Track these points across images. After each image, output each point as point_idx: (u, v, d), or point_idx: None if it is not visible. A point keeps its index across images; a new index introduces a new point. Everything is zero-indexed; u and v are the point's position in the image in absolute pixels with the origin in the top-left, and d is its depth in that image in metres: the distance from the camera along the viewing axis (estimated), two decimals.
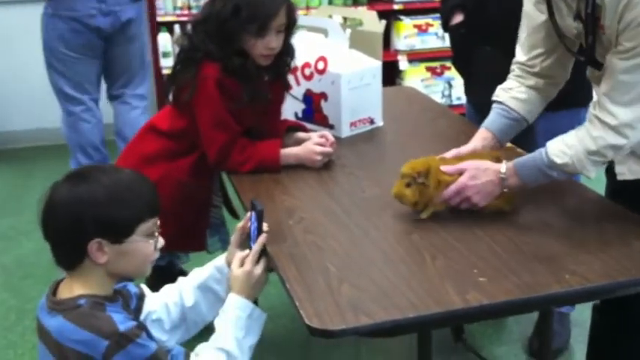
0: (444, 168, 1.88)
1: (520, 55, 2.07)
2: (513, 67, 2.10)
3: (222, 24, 2.12)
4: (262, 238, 1.72)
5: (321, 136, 2.25)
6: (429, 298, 1.50)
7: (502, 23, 2.47)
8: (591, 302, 2.07)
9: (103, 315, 1.45)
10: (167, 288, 1.78)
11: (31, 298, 3.15)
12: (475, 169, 1.85)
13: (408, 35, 4.98)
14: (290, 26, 2.21)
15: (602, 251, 1.66)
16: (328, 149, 2.22)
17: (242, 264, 1.69)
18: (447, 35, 3.02)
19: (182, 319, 1.75)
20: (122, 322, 1.44)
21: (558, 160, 1.76)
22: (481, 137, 2.08)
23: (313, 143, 2.23)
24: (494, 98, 2.11)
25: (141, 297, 1.68)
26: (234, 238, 1.80)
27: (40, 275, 3.31)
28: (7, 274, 3.39)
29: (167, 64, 4.71)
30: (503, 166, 1.84)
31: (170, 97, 2.29)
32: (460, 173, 1.86)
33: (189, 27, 2.25)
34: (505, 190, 1.83)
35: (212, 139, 2.19)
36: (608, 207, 1.92)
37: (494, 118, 2.09)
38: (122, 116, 3.99)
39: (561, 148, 1.77)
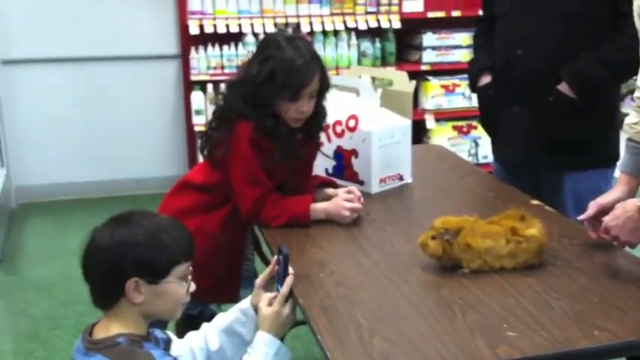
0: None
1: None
2: (635, 97, 2.06)
3: (257, 88, 2.18)
4: (289, 280, 1.77)
5: (348, 192, 2.30)
6: (459, 352, 1.51)
7: (528, 84, 2.52)
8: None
9: (142, 351, 1.50)
10: (192, 334, 1.82)
11: (60, 349, 3.19)
12: (618, 208, 1.87)
13: (435, 95, 5.07)
14: (322, 91, 2.28)
15: (632, 308, 1.66)
16: (357, 205, 2.26)
17: (270, 304, 1.73)
18: (473, 95, 3.08)
19: None
20: (161, 357, 1.50)
21: None
22: (621, 183, 2.07)
23: (342, 199, 2.28)
24: (624, 133, 2.09)
25: (168, 342, 1.72)
26: (259, 280, 1.84)
27: (70, 326, 3.35)
28: (37, 325, 3.43)
29: (199, 121, 4.83)
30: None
31: (205, 153, 2.35)
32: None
33: (224, 87, 2.33)
34: None
35: (245, 194, 2.24)
36: (639, 264, 1.93)
37: (626, 158, 2.09)
38: None
39: None
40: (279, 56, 2.17)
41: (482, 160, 5.12)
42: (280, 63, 2.16)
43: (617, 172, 2.19)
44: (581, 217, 2.05)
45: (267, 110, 2.20)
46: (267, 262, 2.62)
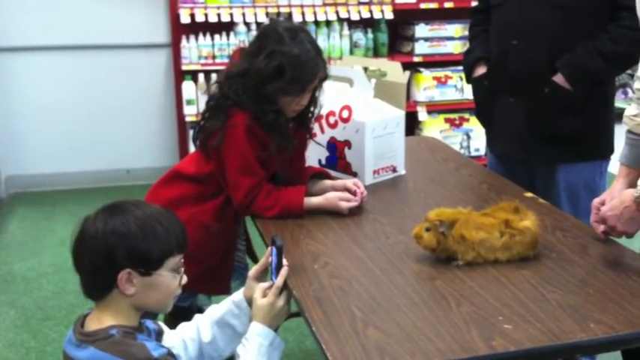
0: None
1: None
2: (635, 89, 2.05)
3: (262, 82, 2.15)
4: (284, 271, 1.76)
5: (354, 184, 2.29)
6: (454, 344, 1.51)
7: (524, 75, 2.52)
8: (616, 353, 2.06)
9: (136, 343, 1.49)
10: (184, 325, 1.81)
11: (51, 339, 3.17)
12: (615, 198, 1.88)
13: (427, 87, 5.05)
14: (321, 82, 2.28)
15: (627, 301, 1.66)
16: (352, 204, 2.24)
17: (264, 295, 1.72)
18: (465, 87, 3.07)
19: (199, 354, 1.78)
20: (155, 348, 1.49)
21: None
22: (621, 175, 2.07)
23: (335, 196, 2.25)
24: (625, 126, 2.07)
25: (159, 333, 1.71)
26: (252, 272, 1.83)
27: (60, 317, 3.32)
28: (27, 316, 3.40)
29: (190, 111, 4.80)
30: (638, 189, 1.83)
31: (197, 143, 2.33)
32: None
33: (220, 76, 2.30)
34: None
35: (239, 184, 2.22)
36: (635, 258, 1.92)
37: (625, 150, 2.08)
38: None
39: None
40: (286, 51, 2.15)
41: (474, 153, 5.12)
42: (288, 59, 2.14)
43: (612, 167, 2.18)
44: (601, 229, 1.99)
45: (270, 105, 2.18)
46: (256, 261, 2.60)
